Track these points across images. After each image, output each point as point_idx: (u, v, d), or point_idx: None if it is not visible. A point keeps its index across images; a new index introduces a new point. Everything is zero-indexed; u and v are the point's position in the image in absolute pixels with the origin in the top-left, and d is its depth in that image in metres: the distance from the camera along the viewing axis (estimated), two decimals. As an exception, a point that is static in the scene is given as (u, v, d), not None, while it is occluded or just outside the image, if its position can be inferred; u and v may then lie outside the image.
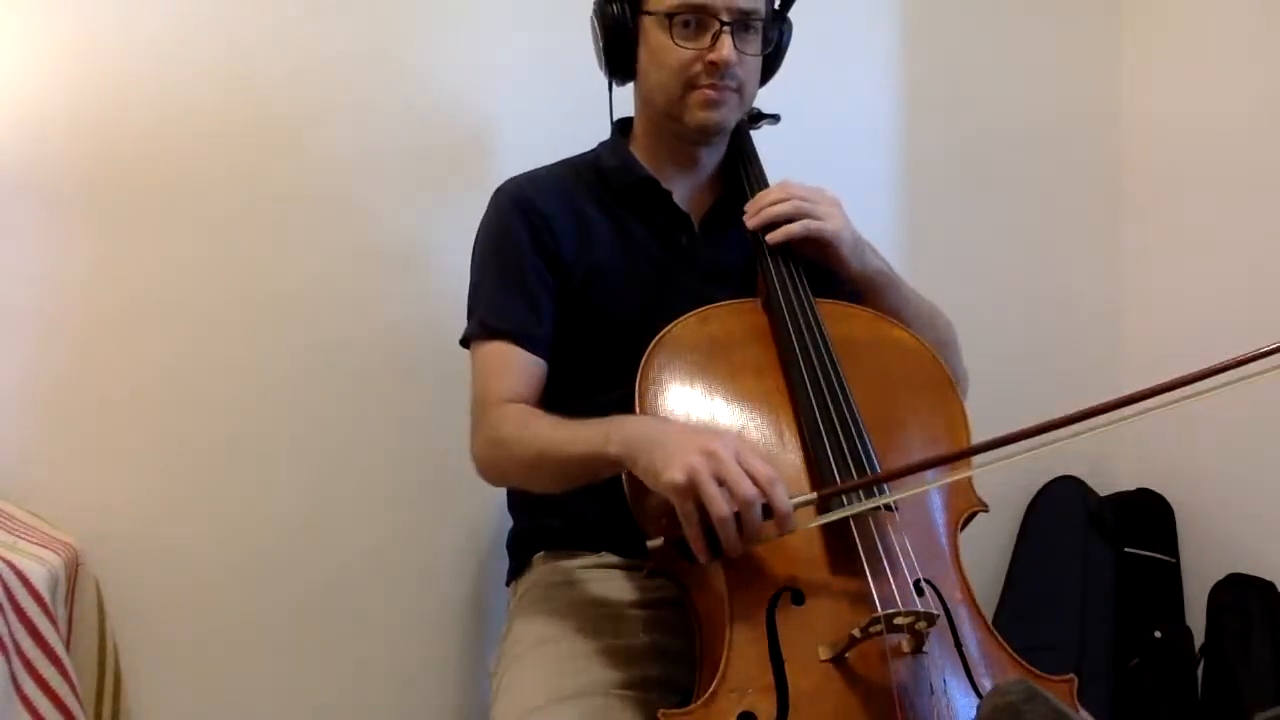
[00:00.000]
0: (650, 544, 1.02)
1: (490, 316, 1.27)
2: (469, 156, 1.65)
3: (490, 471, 1.25)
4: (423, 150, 1.62)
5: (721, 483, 0.95)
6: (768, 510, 0.97)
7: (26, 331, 1.41)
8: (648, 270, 1.30)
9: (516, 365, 1.25)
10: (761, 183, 1.34)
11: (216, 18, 1.49)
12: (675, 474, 0.96)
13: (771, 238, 1.24)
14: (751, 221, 1.25)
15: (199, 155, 1.49)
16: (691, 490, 0.96)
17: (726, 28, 1.22)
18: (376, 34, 1.59)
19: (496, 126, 1.66)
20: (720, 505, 0.95)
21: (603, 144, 1.39)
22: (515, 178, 1.35)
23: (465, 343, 1.31)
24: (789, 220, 1.23)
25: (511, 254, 1.29)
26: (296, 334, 1.55)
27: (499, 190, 1.35)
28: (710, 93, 1.24)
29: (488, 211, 1.34)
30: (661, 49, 1.25)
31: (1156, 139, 2.18)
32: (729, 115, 1.28)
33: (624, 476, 1.14)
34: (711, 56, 1.22)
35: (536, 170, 1.37)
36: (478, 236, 1.34)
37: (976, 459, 1.10)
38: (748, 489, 0.95)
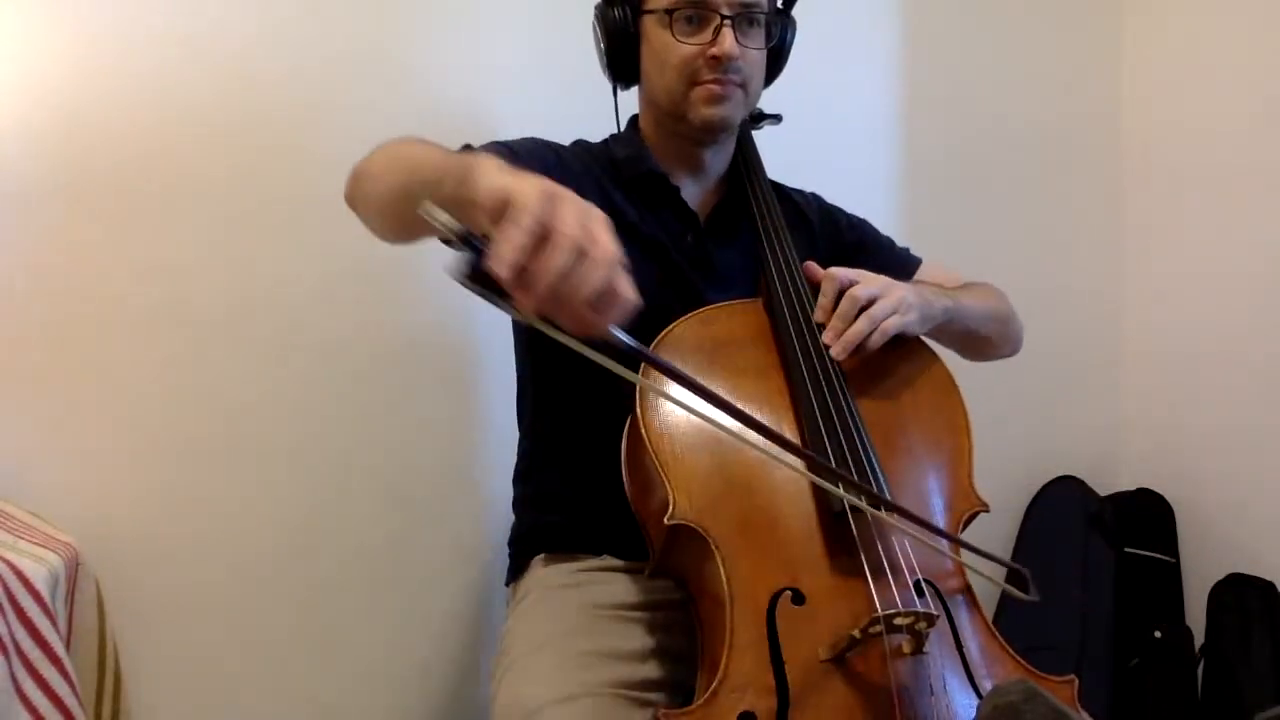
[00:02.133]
0: (427, 207, 0.78)
1: (480, 148, 1.17)
2: (469, 156, 1.64)
3: (347, 185, 1.12)
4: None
5: (584, 226, 0.79)
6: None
7: (27, 332, 1.40)
8: (655, 266, 1.29)
9: None
10: (765, 188, 1.33)
11: (217, 18, 1.49)
12: (548, 184, 0.80)
13: (837, 352, 1.14)
14: (840, 354, 1.14)
15: (199, 155, 1.49)
16: (550, 199, 0.78)
17: (727, 21, 1.21)
18: (377, 34, 1.59)
19: (497, 127, 1.65)
20: (576, 225, 0.78)
21: (613, 136, 1.38)
22: (545, 141, 1.31)
23: None
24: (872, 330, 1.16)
25: (525, 155, 1.21)
26: (297, 334, 1.55)
27: (531, 137, 1.29)
28: (715, 88, 1.23)
29: (506, 142, 1.26)
30: (664, 47, 1.25)
31: (1156, 139, 2.18)
32: (734, 111, 1.27)
33: (625, 476, 1.14)
34: (714, 51, 1.22)
35: (555, 143, 1.33)
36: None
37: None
38: (614, 249, 0.79)
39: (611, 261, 0.79)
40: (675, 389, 0.94)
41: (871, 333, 1.14)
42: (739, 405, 1.06)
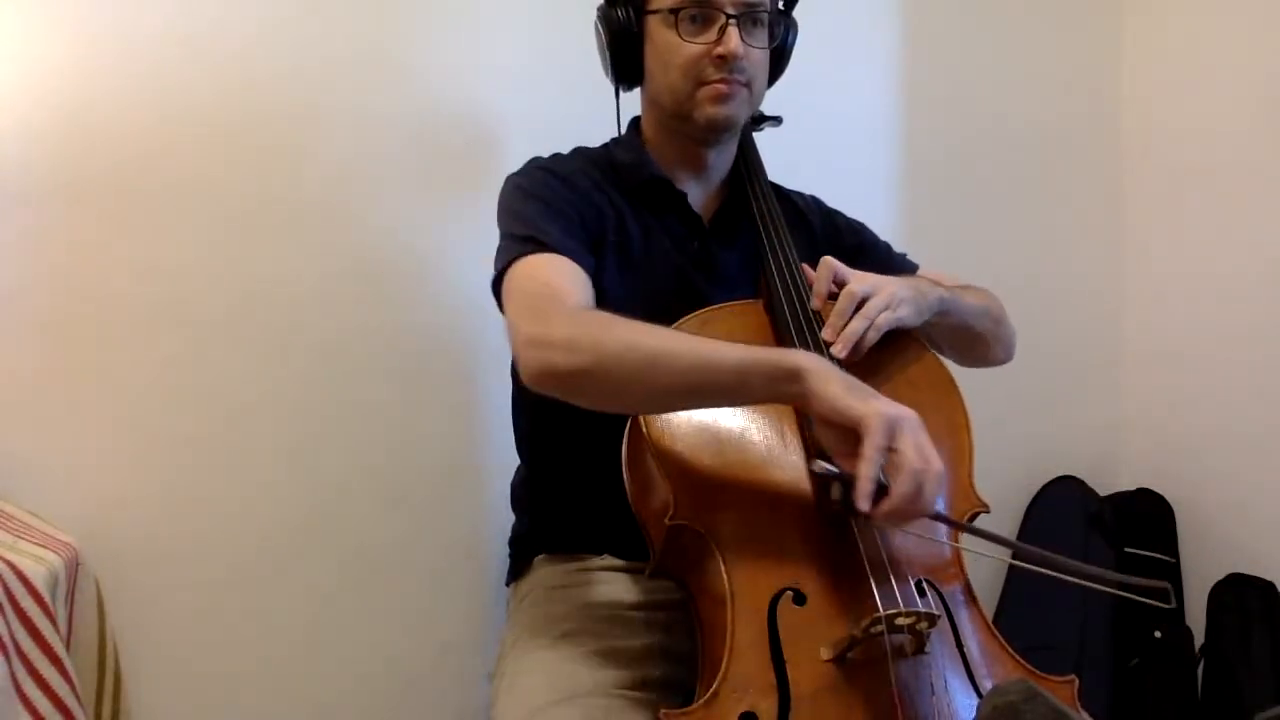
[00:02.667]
0: (819, 466, 1.01)
1: (540, 235, 1.17)
2: (471, 157, 1.64)
3: (564, 359, 1.04)
4: (424, 151, 1.62)
5: (917, 444, 0.96)
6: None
7: (27, 331, 1.40)
8: (662, 270, 1.29)
9: (583, 280, 1.15)
10: (766, 189, 1.33)
11: (216, 18, 1.49)
12: (886, 407, 0.96)
13: (838, 350, 1.15)
14: (841, 351, 1.14)
15: (199, 155, 1.49)
16: (894, 430, 0.95)
17: (732, 20, 1.21)
18: (377, 34, 1.59)
19: (499, 127, 1.65)
20: (917, 456, 0.95)
21: (614, 140, 1.38)
22: (543, 158, 1.32)
23: (500, 275, 1.18)
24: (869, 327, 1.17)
25: (557, 201, 1.23)
26: (297, 334, 1.55)
27: (531, 163, 1.30)
28: (720, 87, 1.23)
29: (517, 176, 1.28)
30: (668, 47, 1.24)
31: (1156, 139, 2.18)
32: (739, 110, 1.27)
33: (626, 476, 1.14)
34: (719, 50, 1.21)
35: (557, 155, 1.34)
36: (505, 197, 1.26)
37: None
38: (939, 463, 0.97)
39: (940, 478, 0.97)
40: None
41: (867, 330, 1.15)
42: (738, 410, 1.10)
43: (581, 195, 1.26)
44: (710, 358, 1.02)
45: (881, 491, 0.95)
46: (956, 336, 1.33)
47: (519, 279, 1.15)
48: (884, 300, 1.17)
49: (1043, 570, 1.03)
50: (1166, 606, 0.97)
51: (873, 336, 1.16)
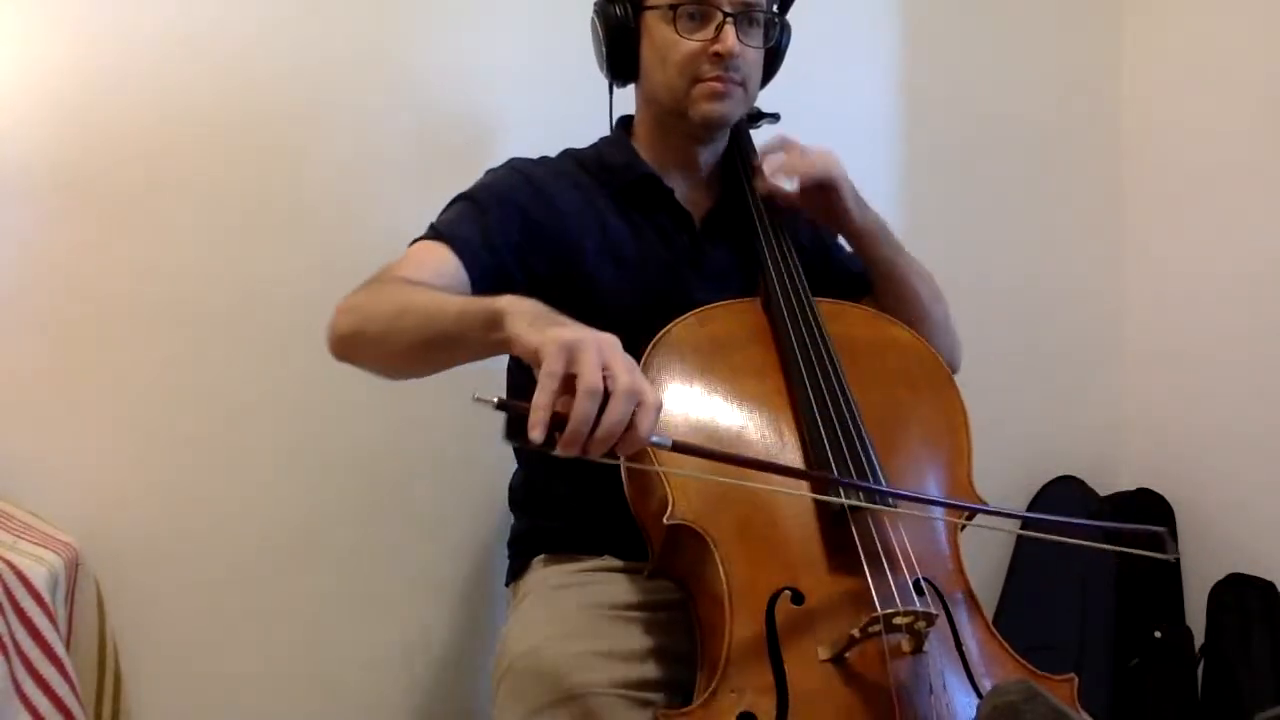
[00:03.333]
0: (478, 395, 0.88)
1: (443, 226, 1.23)
2: (470, 157, 1.63)
3: (341, 322, 1.13)
4: (424, 150, 1.62)
5: (604, 366, 0.87)
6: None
7: (27, 331, 1.41)
8: (653, 269, 1.30)
9: (443, 265, 1.17)
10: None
11: (217, 18, 1.49)
12: (565, 333, 0.88)
13: (763, 186, 1.28)
14: (764, 188, 1.28)
15: (199, 156, 1.49)
16: (571, 352, 0.87)
17: (729, 19, 1.22)
18: (378, 35, 1.59)
19: (498, 127, 1.66)
20: (594, 375, 0.86)
21: (603, 139, 1.39)
22: (526, 159, 1.33)
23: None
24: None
25: (492, 200, 1.25)
26: (297, 333, 1.54)
27: (509, 162, 1.32)
28: (716, 85, 1.24)
29: (487, 173, 1.31)
30: (666, 43, 1.25)
31: (1156, 139, 2.18)
32: (734, 108, 1.28)
33: (624, 476, 1.14)
34: (716, 47, 1.22)
35: (544, 159, 1.35)
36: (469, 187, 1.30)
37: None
38: (629, 380, 0.87)
39: (629, 393, 0.87)
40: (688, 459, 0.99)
41: (800, 160, 1.25)
42: (735, 409, 1.09)
43: (546, 199, 1.27)
44: (438, 309, 1.04)
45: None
46: (889, 280, 1.35)
47: (397, 259, 1.20)
48: (823, 158, 1.27)
49: (1031, 534, 1.03)
50: (1166, 557, 0.99)
51: (806, 168, 1.25)
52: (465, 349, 1.05)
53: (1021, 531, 1.15)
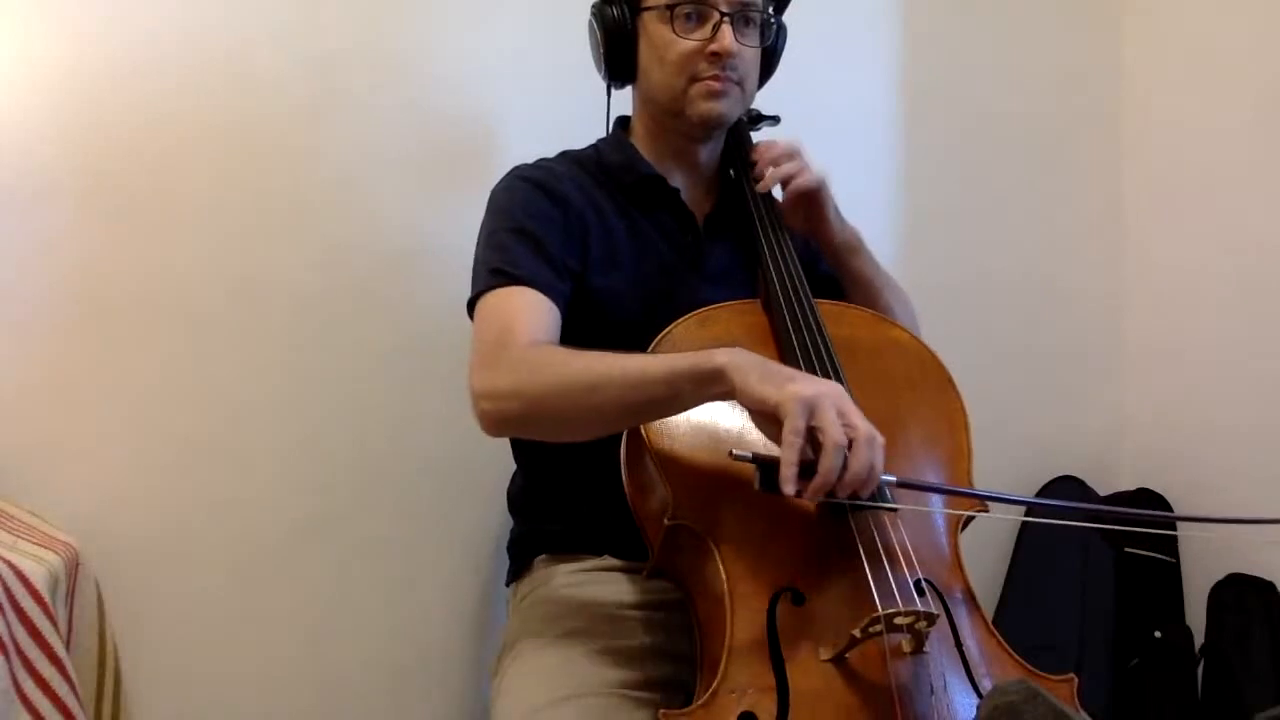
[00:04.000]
0: (736, 453, 0.99)
1: (509, 266, 1.20)
2: (471, 155, 1.65)
3: (511, 407, 1.11)
4: (424, 149, 1.62)
5: (842, 417, 0.96)
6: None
7: (26, 331, 1.40)
8: (656, 269, 1.30)
9: (544, 312, 1.18)
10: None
11: (216, 16, 1.49)
12: (802, 388, 0.96)
13: (762, 185, 1.29)
14: (762, 186, 1.29)
15: (198, 153, 1.49)
16: (811, 408, 0.95)
17: (726, 18, 1.23)
18: (378, 35, 1.59)
19: (499, 127, 1.66)
20: (838, 430, 0.95)
21: (602, 140, 1.39)
22: (526, 165, 1.33)
23: (471, 305, 1.22)
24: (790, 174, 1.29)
25: (531, 222, 1.24)
26: (297, 334, 1.55)
27: (513, 173, 1.31)
28: (713, 84, 1.25)
29: (499, 191, 1.30)
30: (663, 43, 1.26)
31: (1156, 139, 2.18)
32: (731, 108, 1.28)
33: (625, 476, 1.14)
34: (713, 47, 1.23)
35: (542, 161, 1.35)
36: (488, 214, 1.29)
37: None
38: (865, 427, 0.97)
39: (870, 441, 0.96)
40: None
41: (795, 173, 1.28)
42: (737, 410, 1.08)
43: (561, 202, 1.27)
44: (641, 375, 1.06)
45: (812, 472, 0.96)
46: (865, 294, 1.36)
47: (482, 317, 1.20)
48: (815, 171, 1.30)
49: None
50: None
51: (799, 177, 1.28)
52: (677, 407, 1.07)
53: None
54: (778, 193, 1.33)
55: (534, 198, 1.27)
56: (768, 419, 0.98)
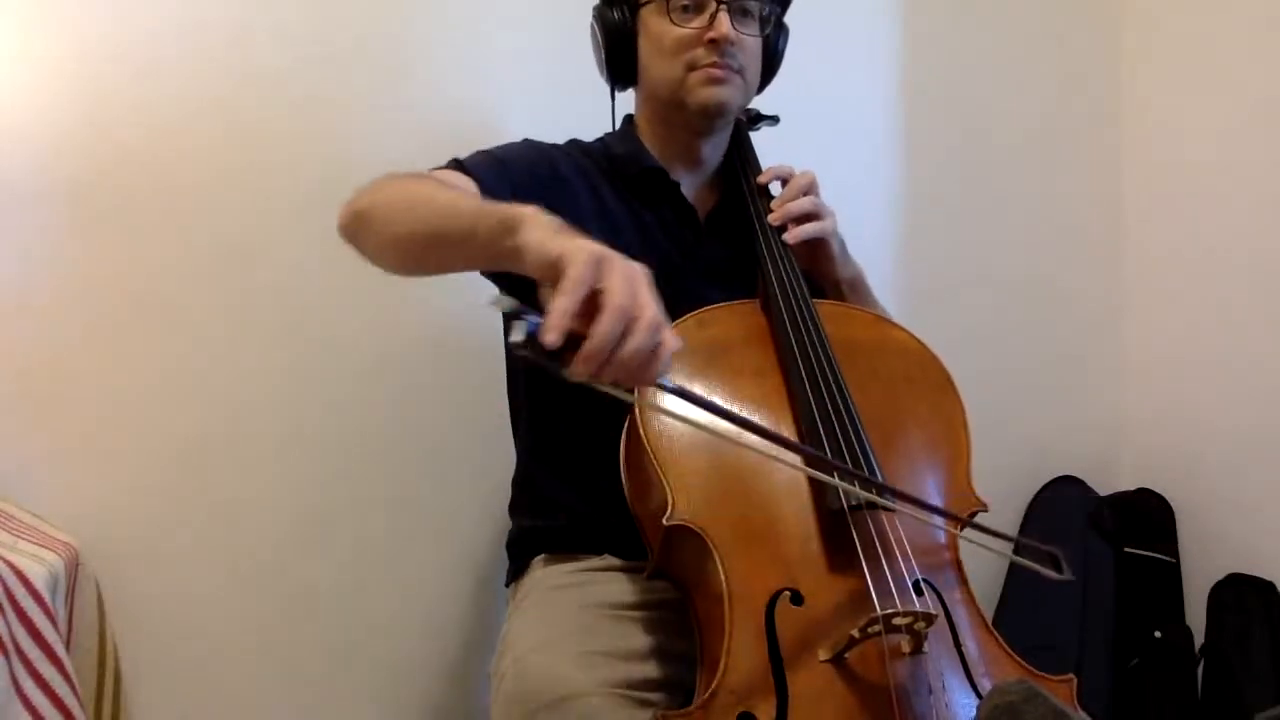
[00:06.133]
0: (495, 299, 0.85)
1: (465, 160, 1.23)
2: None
3: (346, 210, 1.11)
4: (425, 149, 1.61)
5: (630, 285, 0.84)
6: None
7: (26, 331, 1.41)
8: (656, 263, 1.29)
9: (456, 182, 1.16)
10: (762, 189, 1.34)
11: (216, 16, 1.49)
12: (596, 246, 0.85)
13: (789, 237, 1.26)
14: (775, 219, 1.28)
15: (198, 154, 1.49)
16: (600, 265, 0.83)
17: (723, 6, 1.24)
18: (379, 35, 1.59)
19: (500, 127, 1.65)
20: (625, 296, 0.82)
21: (609, 134, 1.40)
22: (538, 140, 1.34)
23: None
24: (806, 218, 1.28)
25: (513, 160, 1.26)
26: (297, 334, 1.55)
27: (524, 140, 1.33)
28: (713, 70, 1.25)
29: (505, 144, 1.31)
30: (662, 34, 1.27)
31: (1156, 139, 2.18)
32: (733, 96, 1.29)
33: (624, 477, 1.14)
34: (711, 34, 1.24)
35: (551, 144, 1.35)
36: None
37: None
38: (654, 311, 0.84)
39: (656, 324, 0.84)
40: (682, 406, 0.98)
41: (809, 217, 1.26)
42: (738, 410, 1.08)
43: (551, 170, 1.28)
44: (453, 203, 1.03)
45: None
46: None
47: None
48: (829, 215, 1.29)
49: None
50: (1059, 577, 1.01)
51: (812, 231, 1.26)
52: (471, 250, 0.99)
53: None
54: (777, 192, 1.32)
55: (526, 152, 1.29)
56: (554, 282, 0.84)
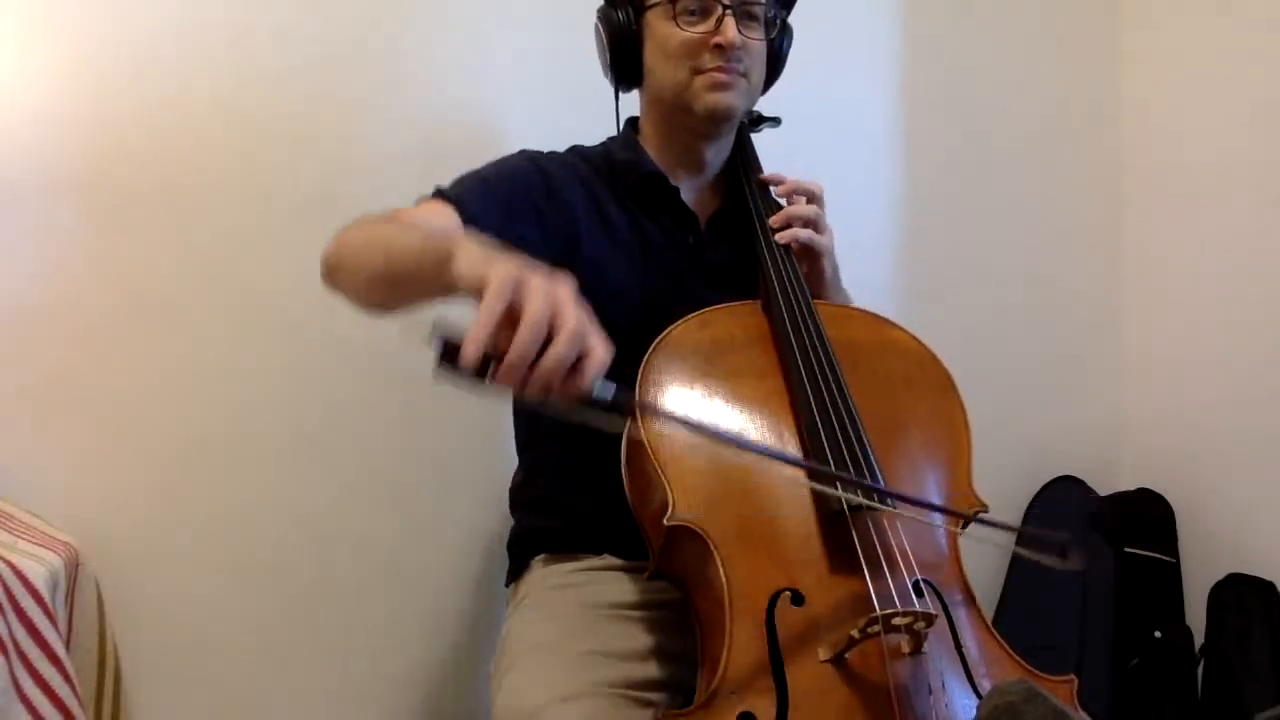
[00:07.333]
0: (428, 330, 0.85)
1: (450, 190, 1.22)
2: (472, 158, 1.64)
3: (322, 270, 1.14)
4: (425, 148, 1.62)
5: (553, 307, 0.83)
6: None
7: (27, 331, 1.41)
8: (656, 269, 1.30)
9: (441, 220, 1.16)
10: (763, 190, 1.34)
11: (216, 16, 1.49)
12: (514, 267, 0.85)
13: (782, 236, 1.27)
14: (777, 220, 1.28)
15: (199, 154, 1.49)
16: (520, 284, 0.83)
17: (729, 11, 1.24)
18: (380, 35, 1.59)
19: (501, 128, 1.66)
20: (540, 310, 0.82)
21: (611, 139, 1.39)
22: (538, 152, 1.33)
23: None
24: (805, 224, 1.28)
25: (507, 179, 1.26)
26: (297, 334, 1.55)
27: (522, 151, 1.33)
28: (719, 75, 1.25)
29: (501, 158, 1.31)
30: (667, 37, 1.26)
31: (1156, 139, 2.18)
32: (738, 100, 1.28)
33: (625, 477, 1.14)
34: (717, 39, 1.24)
35: (553, 153, 1.35)
36: None
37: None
38: (576, 322, 0.84)
39: (577, 334, 0.83)
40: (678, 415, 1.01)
41: (806, 219, 1.27)
42: (736, 411, 1.09)
43: (554, 189, 1.28)
44: (404, 244, 1.04)
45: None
46: None
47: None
48: (828, 231, 1.31)
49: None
50: (1063, 564, 0.99)
51: (804, 237, 1.27)
52: (423, 286, 1.01)
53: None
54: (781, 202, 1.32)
55: (524, 169, 1.29)
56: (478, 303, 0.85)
